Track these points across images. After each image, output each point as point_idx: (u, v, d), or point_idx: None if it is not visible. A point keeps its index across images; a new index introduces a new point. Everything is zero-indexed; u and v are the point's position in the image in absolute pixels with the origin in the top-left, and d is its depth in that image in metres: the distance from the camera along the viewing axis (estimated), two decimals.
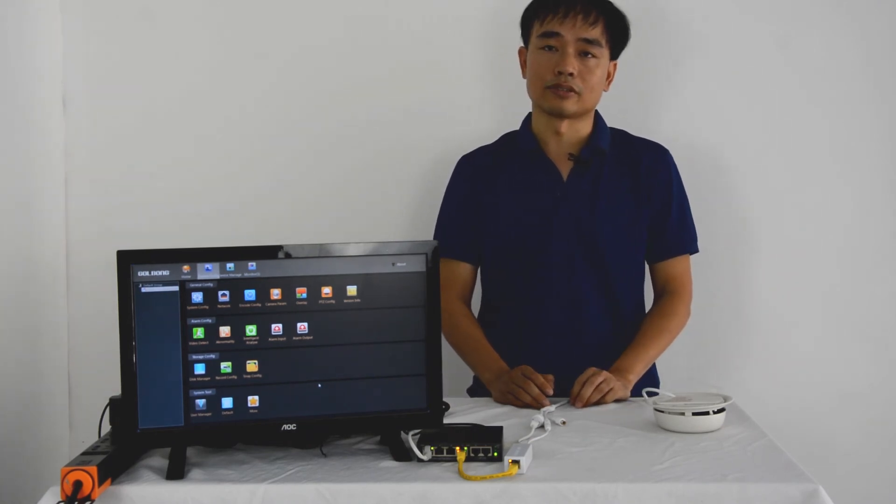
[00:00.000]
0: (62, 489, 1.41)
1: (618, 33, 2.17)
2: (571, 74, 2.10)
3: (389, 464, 1.56)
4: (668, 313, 2.20)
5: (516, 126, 2.28)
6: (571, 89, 2.11)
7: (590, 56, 2.11)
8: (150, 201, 2.56)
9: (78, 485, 1.41)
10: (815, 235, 2.52)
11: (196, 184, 2.57)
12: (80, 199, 2.57)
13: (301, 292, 1.58)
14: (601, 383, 1.94)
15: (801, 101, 2.51)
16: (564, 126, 2.17)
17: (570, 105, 2.12)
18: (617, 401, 1.97)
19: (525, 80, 2.21)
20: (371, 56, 2.54)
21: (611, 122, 2.24)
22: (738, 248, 2.53)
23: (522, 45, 2.24)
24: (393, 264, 1.61)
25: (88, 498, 1.41)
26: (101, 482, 1.43)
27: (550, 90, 2.12)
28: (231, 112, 2.56)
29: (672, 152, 2.25)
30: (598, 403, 1.94)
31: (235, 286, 1.56)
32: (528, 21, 2.20)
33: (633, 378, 2.06)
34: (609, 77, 2.19)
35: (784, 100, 2.51)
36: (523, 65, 2.23)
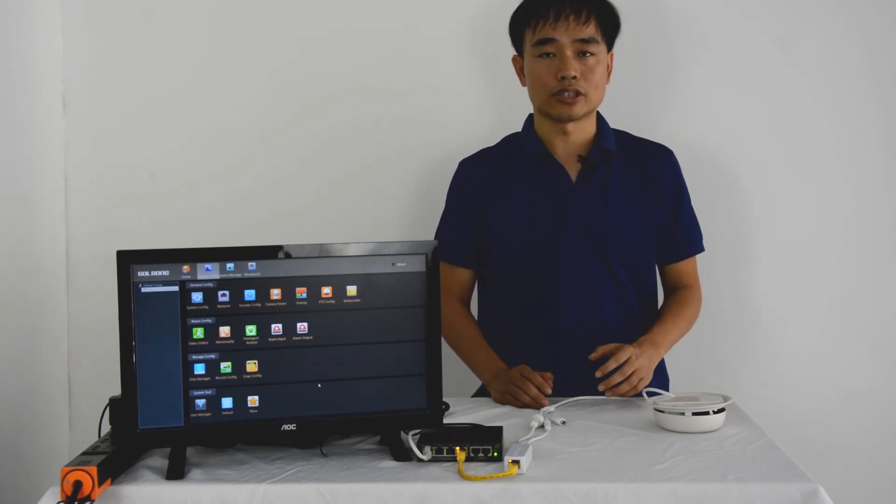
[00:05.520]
0: (62, 489, 1.41)
1: (611, 25, 2.13)
2: (575, 77, 2.07)
3: (389, 464, 1.56)
4: (687, 301, 2.19)
5: (516, 127, 2.27)
6: (578, 92, 2.08)
7: (588, 55, 2.09)
8: (150, 201, 2.56)
9: (78, 485, 1.41)
10: (816, 235, 2.52)
11: (196, 184, 2.56)
12: (79, 199, 2.57)
13: (301, 292, 1.58)
14: (632, 375, 1.90)
15: (802, 100, 2.51)
16: (571, 126, 2.14)
17: (578, 109, 2.10)
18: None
19: (524, 88, 2.19)
20: (368, 57, 2.54)
21: (611, 121, 2.24)
22: (739, 247, 2.53)
23: (515, 53, 2.20)
24: (393, 264, 1.61)
25: (88, 498, 1.41)
26: (101, 482, 1.43)
27: (556, 97, 2.09)
28: (231, 112, 2.56)
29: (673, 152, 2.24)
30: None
31: (235, 286, 1.56)
32: (517, 29, 2.16)
33: (663, 352, 2.05)
34: (609, 69, 2.16)
35: (785, 100, 2.51)
36: (520, 73, 2.19)
